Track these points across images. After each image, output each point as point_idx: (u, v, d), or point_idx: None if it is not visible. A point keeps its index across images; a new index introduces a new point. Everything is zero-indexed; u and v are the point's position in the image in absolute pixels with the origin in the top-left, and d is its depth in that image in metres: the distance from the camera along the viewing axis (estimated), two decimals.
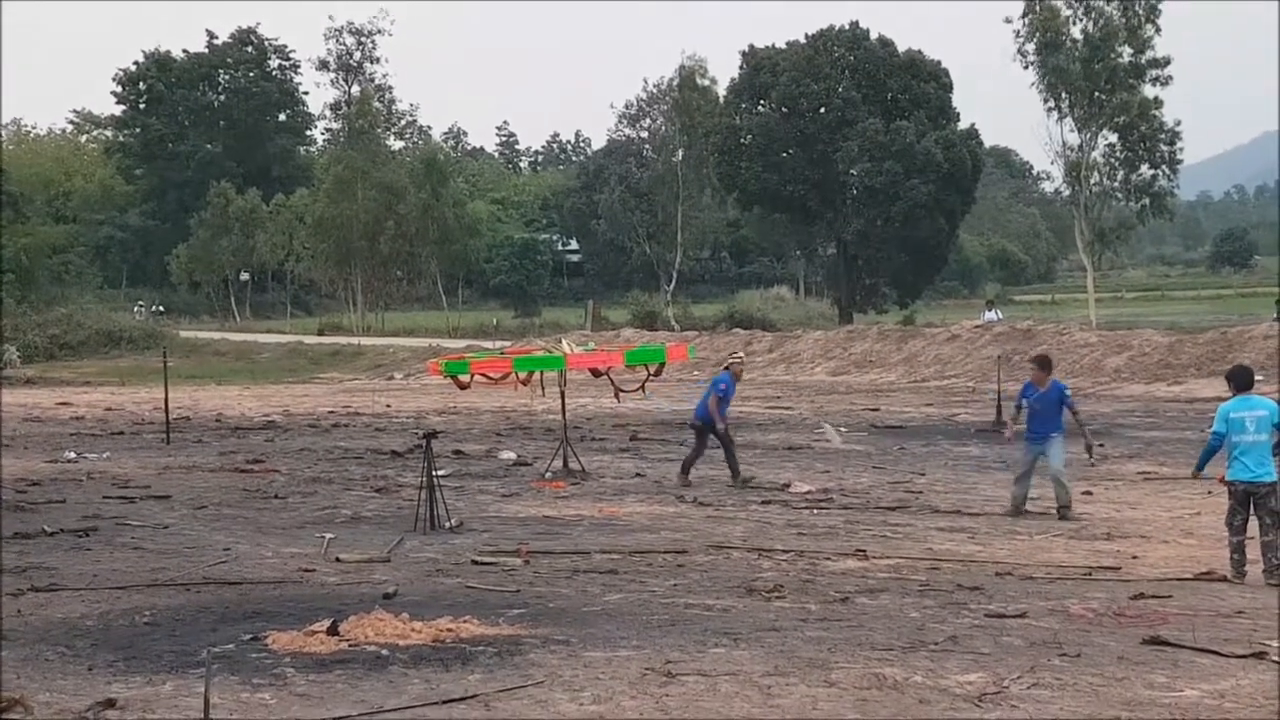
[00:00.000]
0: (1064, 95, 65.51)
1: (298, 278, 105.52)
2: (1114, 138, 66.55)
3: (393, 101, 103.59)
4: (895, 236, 73.86)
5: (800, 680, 10.17)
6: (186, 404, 39.29)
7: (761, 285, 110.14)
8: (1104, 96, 65.12)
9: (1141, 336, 45.13)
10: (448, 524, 17.87)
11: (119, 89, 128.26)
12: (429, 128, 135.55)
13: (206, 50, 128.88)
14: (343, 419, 35.80)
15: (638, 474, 23.77)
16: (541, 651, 11.14)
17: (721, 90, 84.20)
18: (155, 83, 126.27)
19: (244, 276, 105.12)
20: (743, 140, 77.01)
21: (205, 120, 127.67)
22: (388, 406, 39.83)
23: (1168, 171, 67.61)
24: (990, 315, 54.66)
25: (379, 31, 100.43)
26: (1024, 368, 43.88)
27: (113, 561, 15.69)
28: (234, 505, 20.52)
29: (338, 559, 15.67)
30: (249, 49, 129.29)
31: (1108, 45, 64.42)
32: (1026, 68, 66.69)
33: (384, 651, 11.12)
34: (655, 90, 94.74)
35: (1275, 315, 50.67)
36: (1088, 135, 66.17)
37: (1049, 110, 66.30)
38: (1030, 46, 65.05)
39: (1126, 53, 65.19)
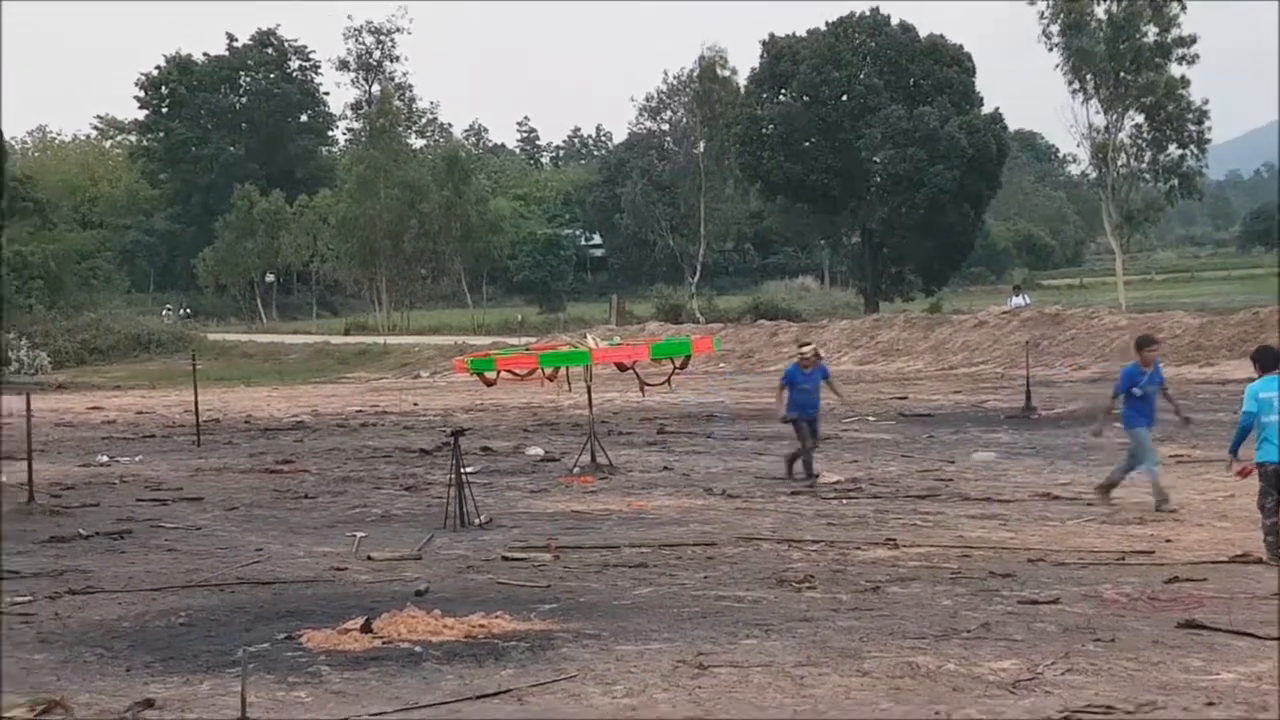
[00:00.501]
0: (1089, 76, 65.22)
1: (323, 278, 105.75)
2: (1141, 118, 66.24)
3: (413, 100, 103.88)
4: (920, 223, 73.65)
5: (833, 670, 10.18)
6: (216, 406, 39.41)
7: (786, 276, 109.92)
8: (1130, 77, 64.81)
9: (1172, 319, 44.92)
10: (477, 521, 17.91)
11: (141, 93, 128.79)
12: (450, 125, 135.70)
13: (227, 53, 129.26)
14: (371, 418, 35.88)
15: (665, 468, 23.76)
16: (573, 646, 11.17)
17: (742, 80, 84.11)
18: (177, 86, 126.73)
19: (269, 278, 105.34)
20: (764, 130, 76.85)
21: (227, 123, 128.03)
22: (415, 405, 39.90)
23: (1196, 151, 67.28)
24: (1018, 300, 54.49)
25: (398, 30, 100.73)
26: (1052, 353, 43.91)
27: (147, 563, 15.77)
28: (265, 506, 20.59)
29: (369, 557, 15.72)
30: (269, 50, 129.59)
31: (1132, 25, 64.11)
32: (1051, 49, 66.49)
33: (417, 648, 11.15)
34: (675, 82, 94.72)
35: None
36: (1114, 116, 65.88)
37: (1074, 92, 66.03)
38: (1054, 28, 64.81)
39: (1152, 32, 64.87)
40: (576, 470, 23.24)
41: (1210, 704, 9.18)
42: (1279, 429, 14.18)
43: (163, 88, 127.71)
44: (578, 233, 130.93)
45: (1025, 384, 32.71)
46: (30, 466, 21.03)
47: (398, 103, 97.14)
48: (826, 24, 79.38)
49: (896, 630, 11.42)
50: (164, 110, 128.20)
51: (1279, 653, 10.34)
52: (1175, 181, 67.59)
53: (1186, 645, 10.75)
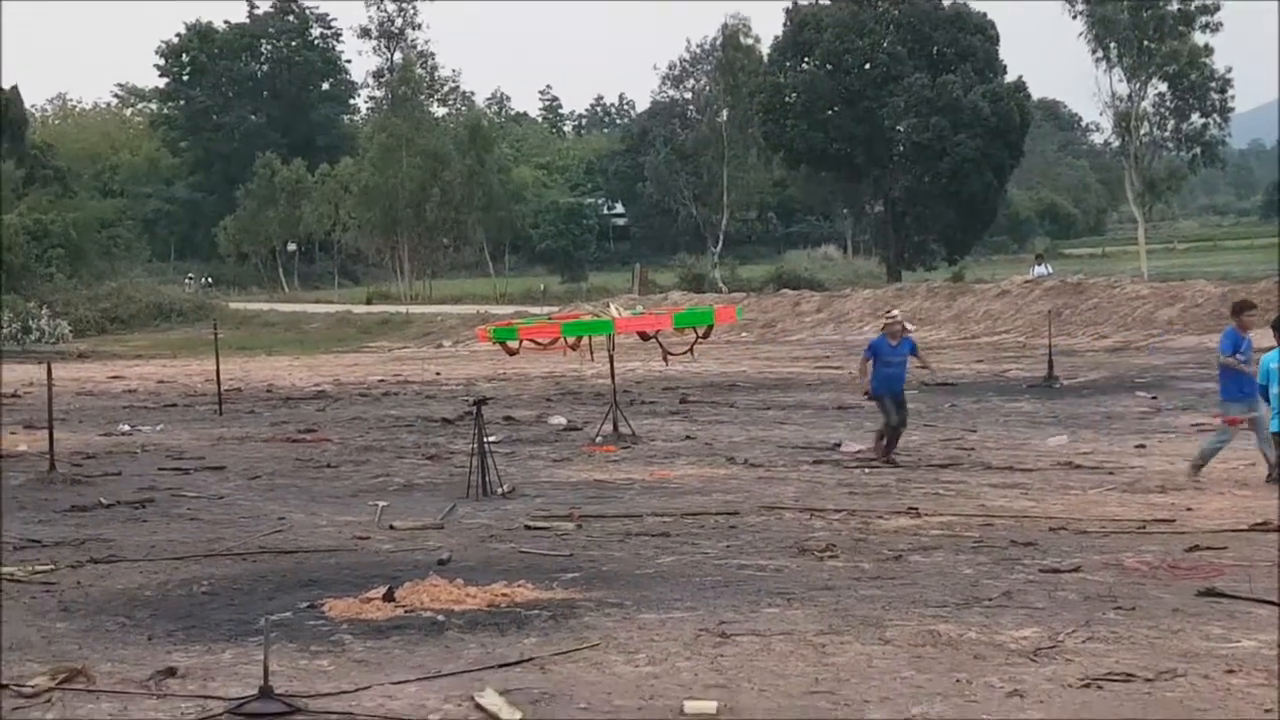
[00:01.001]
0: (1112, 45, 64.97)
1: (345, 247, 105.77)
2: (1164, 87, 66.03)
3: (435, 68, 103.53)
4: (943, 192, 73.39)
5: (855, 639, 10.19)
6: (238, 375, 39.52)
7: (809, 245, 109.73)
8: (1153, 45, 64.55)
9: (1194, 288, 44.82)
10: (500, 490, 17.94)
11: (162, 61, 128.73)
12: (472, 94, 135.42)
13: (248, 20, 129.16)
14: (393, 387, 35.95)
15: (688, 437, 23.78)
16: (596, 614, 11.19)
17: (765, 49, 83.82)
18: (198, 54, 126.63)
19: (291, 247, 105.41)
20: (787, 99, 76.57)
21: (249, 91, 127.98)
22: (437, 374, 39.96)
23: (1219, 120, 67.06)
24: (1040, 270, 54.36)
25: None
26: (1074, 322, 43.81)
27: (169, 532, 15.82)
28: (287, 475, 20.65)
29: (391, 526, 15.76)
30: (290, 18, 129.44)
31: None
32: (1075, 18, 66.21)
33: (440, 617, 11.18)
34: (698, 50, 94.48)
35: None
36: (1137, 85, 65.66)
37: (1098, 60, 65.81)
38: None
39: (1175, 0, 64.54)
40: (599, 439, 23.26)
41: (1230, 671, 9.18)
42: None
43: (183, 55, 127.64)
44: (600, 202, 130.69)
45: (1047, 353, 32.63)
46: (51, 435, 21.10)
47: (420, 71, 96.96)
48: None
49: (918, 599, 11.42)
50: (185, 78, 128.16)
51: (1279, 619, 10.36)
52: (1198, 150, 67.38)
53: (1207, 613, 10.74)
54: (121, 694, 9.30)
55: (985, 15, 77.65)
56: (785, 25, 78.71)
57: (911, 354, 20.44)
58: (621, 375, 29.03)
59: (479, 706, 8.77)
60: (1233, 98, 66.79)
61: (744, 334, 50.94)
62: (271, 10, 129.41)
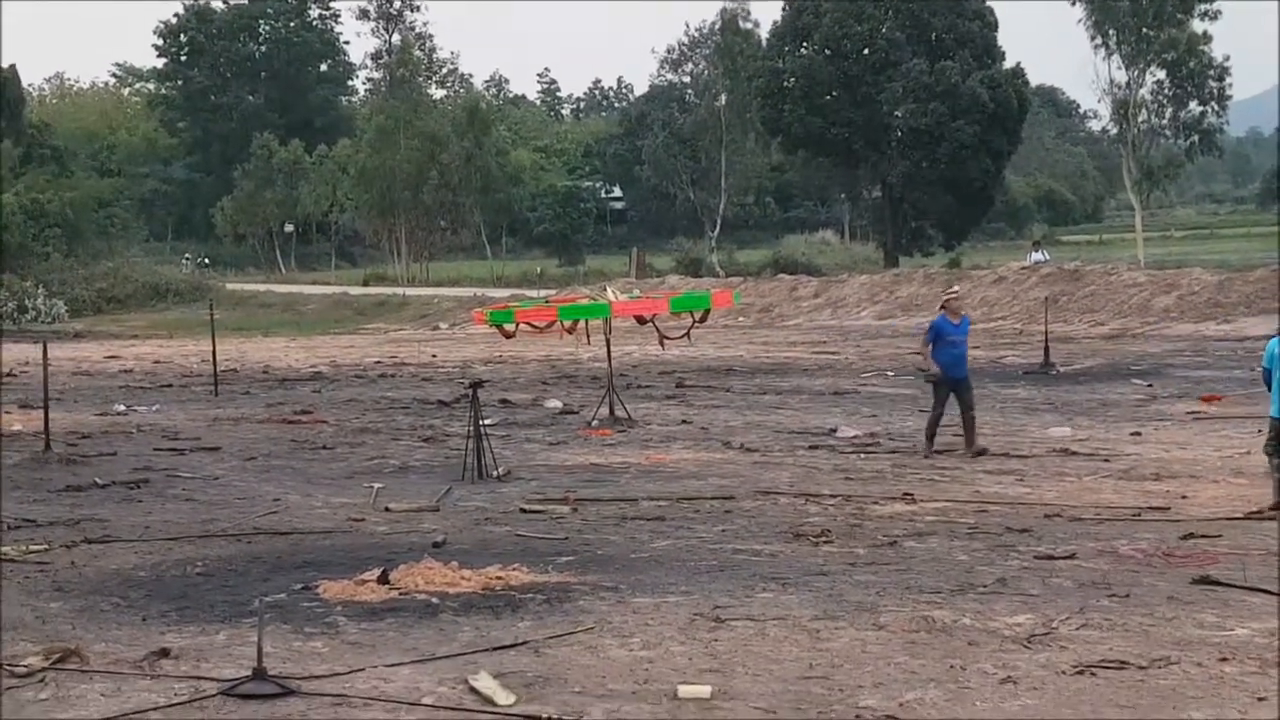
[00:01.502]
0: (1111, 32, 64.90)
1: (342, 229, 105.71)
2: (1162, 74, 65.97)
3: (433, 50, 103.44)
4: (941, 178, 73.34)
5: (849, 624, 10.20)
6: (234, 356, 39.49)
7: (806, 230, 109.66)
8: (1152, 32, 64.48)
9: (1190, 275, 44.81)
10: (495, 473, 17.94)
11: (160, 41, 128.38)
12: (470, 76, 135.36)
13: (246, 1, 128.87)
14: (389, 369, 35.93)
15: (684, 421, 23.78)
16: (590, 598, 11.20)
17: (764, 33, 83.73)
18: (196, 35, 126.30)
19: (288, 228, 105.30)
20: (786, 83, 76.46)
21: (247, 71, 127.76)
22: (434, 356, 39.94)
23: (1217, 108, 67.04)
24: (1037, 256, 54.36)
25: None
26: (1071, 309, 43.81)
27: (164, 513, 15.82)
28: (283, 456, 20.64)
29: (387, 508, 15.76)
30: None
31: None
32: (1074, 4, 66.15)
33: (434, 600, 11.19)
34: (697, 34, 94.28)
35: None
36: (1135, 72, 65.61)
37: (1096, 47, 65.74)
38: None
39: None
40: (595, 423, 23.26)
41: (1224, 659, 9.19)
42: None
43: (181, 35, 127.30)
44: (598, 185, 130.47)
45: (1044, 340, 32.62)
46: (47, 415, 21.09)
47: (418, 53, 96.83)
48: None
49: (912, 585, 11.43)
50: (183, 58, 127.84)
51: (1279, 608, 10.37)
52: (1195, 138, 67.38)
53: (1201, 601, 10.76)
54: (115, 674, 9.31)
55: (984, 1, 77.58)
56: (784, 10, 78.60)
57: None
58: (618, 359, 29.01)
59: (473, 689, 8.78)
60: (1230, 86, 66.83)
61: (741, 318, 50.93)
62: None
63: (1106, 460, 18.39)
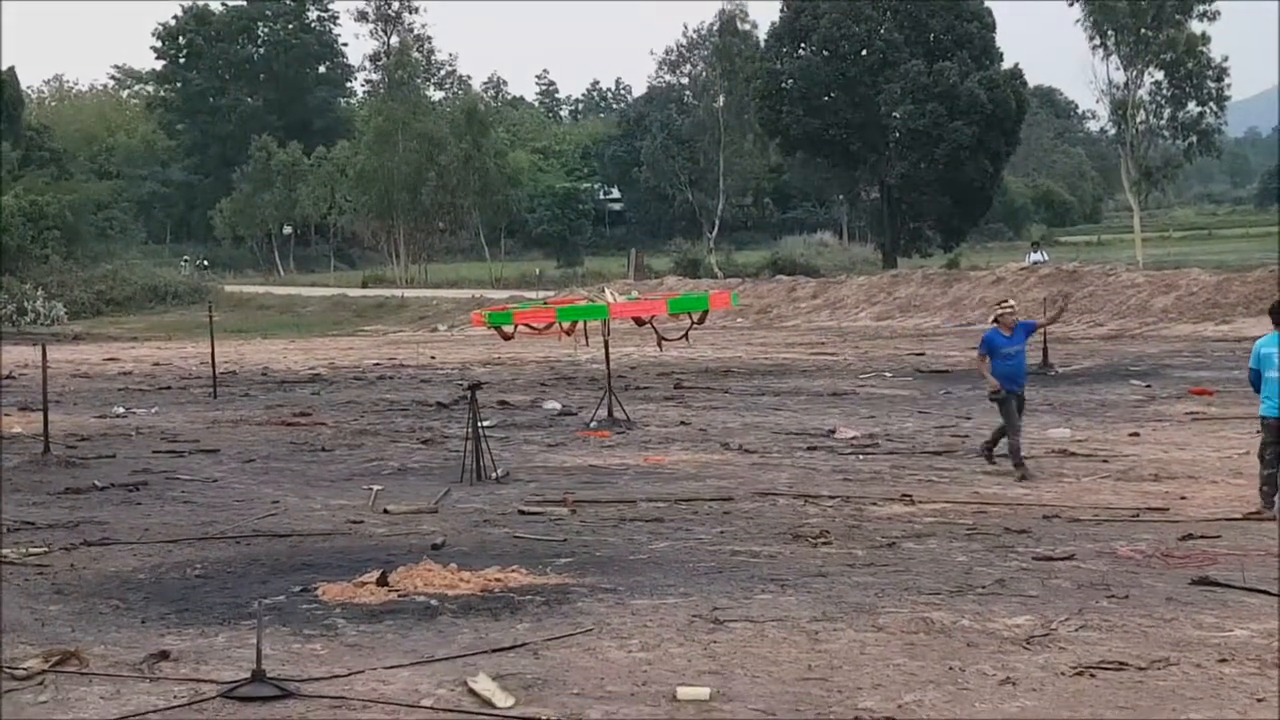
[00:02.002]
0: (1110, 32, 64.92)
1: (340, 231, 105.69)
2: (1160, 75, 65.99)
3: (432, 52, 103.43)
4: (939, 179, 73.35)
5: (848, 625, 10.20)
6: (232, 358, 39.49)
7: (805, 231, 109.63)
8: (1150, 33, 64.50)
9: (1189, 276, 44.83)
10: (494, 475, 17.93)
11: (159, 44, 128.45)
12: (468, 77, 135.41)
13: (245, 3, 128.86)
14: (388, 371, 35.94)
15: (682, 422, 23.78)
16: (589, 600, 11.19)
17: (762, 34, 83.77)
18: (195, 37, 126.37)
19: (287, 230, 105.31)
20: (784, 85, 76.47)
21: (245, 74, 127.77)
22: (432, 358, 39.94)
23: (1215, 108, 67.08)
24: (1036, 257, 54.40)
25: None
26: (1070, 309, 43.80)
27: (163, 515, 15.82)
28: (281, 458, 20.64)
29: (385, 510, 15.76)
30: (287, 1, 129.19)
31: None
32: (1072, 4, 66.17)
33: (433, 602, 11.18)
34: (695, 36, 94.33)
35: None
36: (1134, 73, 65.64)
37: (1095, 48, 65.78)
38: None
39: None
40: (593, 425, 23.26)
41: (1223, 660, 9.19)
42: (1276, 384, 14.30)
43: (180, 38, 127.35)
44: (596, 186, 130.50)
45: (1043, 340, 32.61)
46: (46, 417, 21.09)
47: (416, 54, 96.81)
48: None
49: (911, 586, 11.43)
50: (181, 61, 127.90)
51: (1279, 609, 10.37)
52: (1194, 138, 67.41)
53: (1200, 602, 10.76)
54: (114, 677, 9.31)
55: (982, 2, 77.55)
56: (782, 11, 78.60)
57: (1030, 332, 18.71)
58: (616, 360, 29.02)
59: (472, 691, 8.78)
60: (1229, 86, 66.86)
61: (739, 320, 50.94)
62: None
63: (1105, 461, 18.40)
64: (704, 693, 8.66)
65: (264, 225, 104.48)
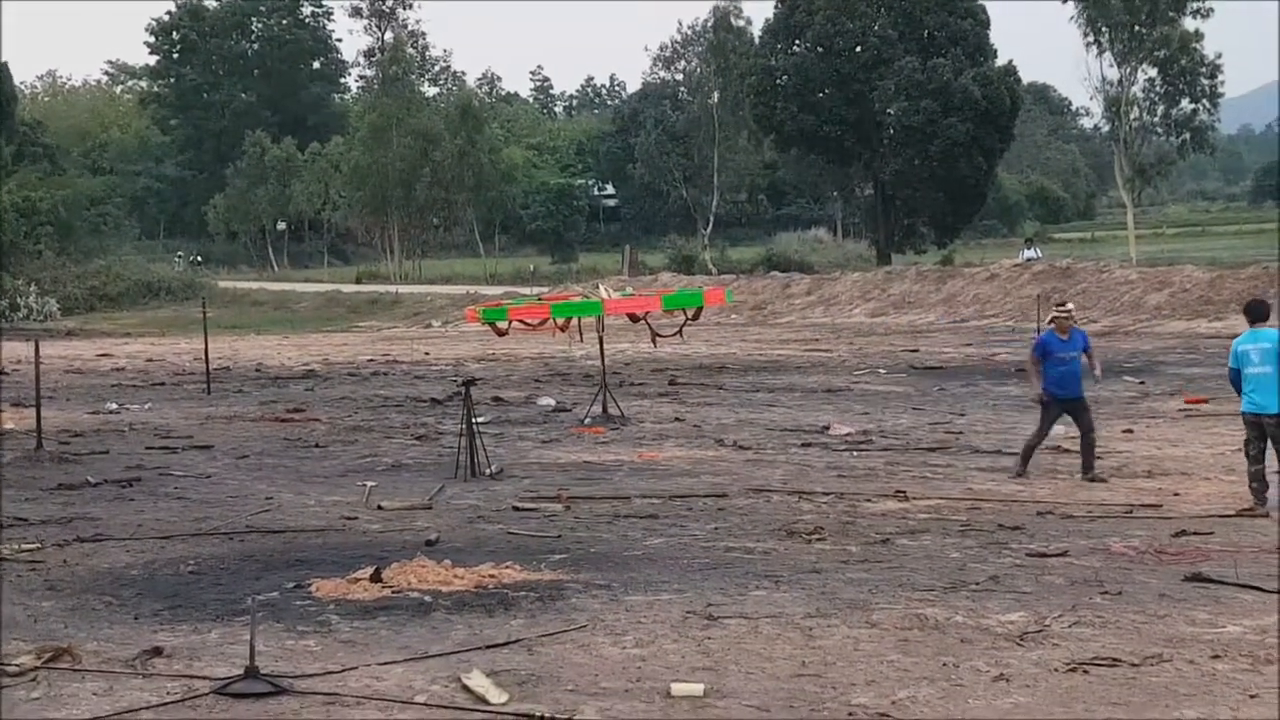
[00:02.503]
0: (1104, 29, 64.93)
1: (334, 226, 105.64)
2: (1154, 72, 66.02)
3: (426, 47, 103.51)
4: (933, 176, 73.37)
5: (842, 622, 10.20)
6: (226, 354, 39.46)
7: (799, 227, 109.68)
8: (1144, 30, 64.52)
9: (1182, 273, 44.86)
10: (488, 471, 17.93)
11: (152, 39, 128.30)
12: (463, 73, 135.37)
13: None
14: (382, 367, 35.92)
15: (677, 419, 23.78)
16: (583, 596, 11.19)
17: (757, 31, 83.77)
18: (188, 32, 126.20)
19: (281, 226, 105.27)
20: (779, 81, 76.46)
21: (239, 69, 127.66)
22: (426, 354, 39.93)
23: (1208, 105, 67.10)
24: (1029, 253, 54.42)
25: None
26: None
27: (157, 511, 15.80)
28: (275, 454, 20.62)
29: (379, 507, 15.75)
30: None
31: None
32: (1066, 1, 66.20)
33: (427, 598, 11.18)
34: (690, 32, 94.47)
35: None
36: (1127, 70, 65.63)
37: (1089, 45, 65.76)
38: None
39: None
40: (588, 421, 23.26)
41: (1216, 657, 9.21)
42: (1255, 380, 14.38)
43: (174, 33, 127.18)
44: (591, 183, 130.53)
45: (1036, 337, 32.62)
46: (39, 413, 21.05)
47: (411, 50, 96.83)
48: None
49: (905, 582, 11.44)
50: (175, 56, 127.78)
51: None
52: (1187, 135, 67.44)
53: (1193, 598, 10.77)
54: (107, 673, 9.30)
55: None
56: (777, 7, 78.60)
57: (1085, 351, 17.54)
58: (611, 357, 29.02)
59: (466, 688, 8.78)
60: (1222, 83, 66.88)
61: (733, 316, 50.95)
62: None
63: (1098, 458, 18.38)
64: (698, 689, 8.66)
65: (258, 221, 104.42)
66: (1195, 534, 13.25)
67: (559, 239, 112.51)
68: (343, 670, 9.23)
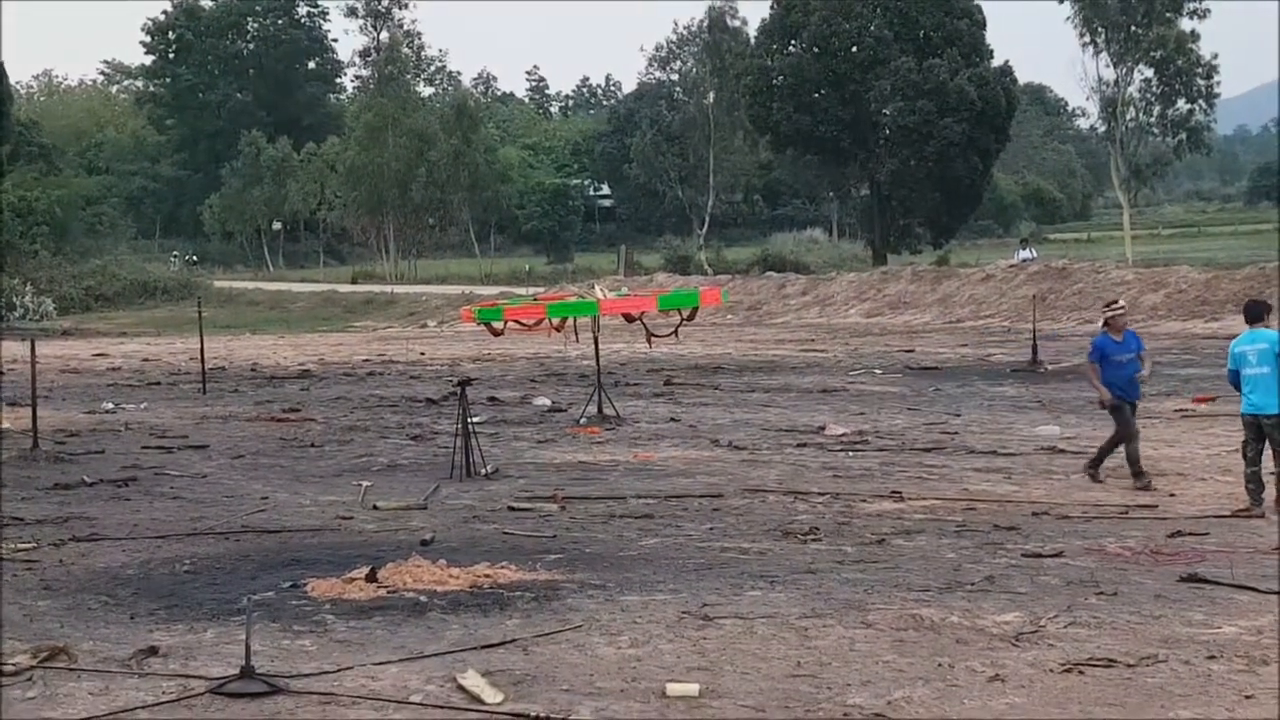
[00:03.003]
0: (1100, 30, 65.01)
1: (330, 226, 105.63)
2: (1150, 72, 66.12)
3: (422, 47, 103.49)
4: (929, 176, 73.42)
5: (837, 622, 10.20)
6: (222, 354, 39.44)
7: (795, 228, 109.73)
8: (1140, 31, 64.61)
9: (1178, 273, 44.86)
10: (483, 471, 17.92)
11: (148, 39, 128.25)
12: (458, 73, 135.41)
13: None
14: (377, 367, 35.90)
15: (672, 419, 23.77)
16: (579, 596, 11.19)
17: (752, 31, 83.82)
18: (184, 32, 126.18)
19: (276, 226, 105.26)
20: (774, 81, 76.49)
21: (235, 69, 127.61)
22: (422, 354, 39.91)
23: (1204, 106, 67.22)
24: (1025, 254, 54.42)
25: None
26: (1059, 307, 43.89)
27: (152, 511, 15.80)
28: (271, 454, 20.61)
29: (375, 506, 15.75)
30: None
31: None
32: (1062, 2, 66.27)
33: (422, 598, 11.18)
34: (685, 32, 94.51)
35: None
36: (1124, 70, 65.74)
37: (1085, 45, 65.87)
38: None
39: None
40: (583, 421, 23.25)
41: (1211, 657, 9.21)
42: (1253, 381, 14.39)
43: (170, 33, 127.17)
44: (586, 183, 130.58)
45: (1032, 338, 32.64)
46: (35, 413, 21.02)
47: (406, 50, 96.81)
48: None
49: (901, 582, 11.44)
50: (171, 56, 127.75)
51: None
52: (1183, 136, 67.55)
53: (1188, 599, 10.78)
54: (103, 673, 9.29)
55: None
56: (772, 8, 78.62)
57: (1139, 351, 16.93)
58: (606, 357, 29.02)
59: (461, 688, 8.78)
60: (1218, 84, 67.00)
61: (729, 316, 50.94)
62: None
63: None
64: (693, 689, 8.66)
65: (253, 221, 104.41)
66: (1191, 534, 13.26)
67: (554, 239, 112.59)
68: (338, 670, 9.23)
